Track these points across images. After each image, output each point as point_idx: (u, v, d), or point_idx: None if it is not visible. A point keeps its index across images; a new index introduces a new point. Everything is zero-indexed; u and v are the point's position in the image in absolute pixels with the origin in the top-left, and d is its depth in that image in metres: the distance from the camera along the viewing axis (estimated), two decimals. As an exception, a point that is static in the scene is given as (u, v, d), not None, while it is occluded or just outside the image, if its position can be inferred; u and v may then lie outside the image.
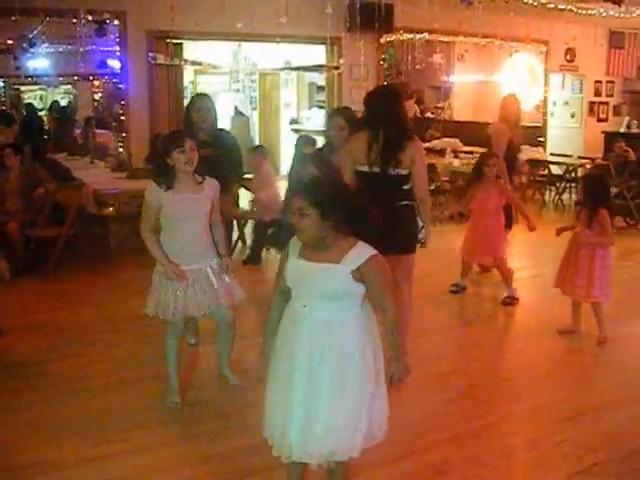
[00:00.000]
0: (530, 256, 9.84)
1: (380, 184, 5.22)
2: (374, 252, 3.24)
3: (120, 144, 12.14)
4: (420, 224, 5.42)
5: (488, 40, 14.35)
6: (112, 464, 4.23)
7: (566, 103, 17.59)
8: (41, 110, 17.79)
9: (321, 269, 3.24)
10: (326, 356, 3.24)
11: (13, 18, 10.09)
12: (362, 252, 3.23)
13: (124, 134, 11.84)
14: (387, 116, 5.29)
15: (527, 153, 13.43)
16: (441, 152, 13.41)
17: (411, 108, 15.72)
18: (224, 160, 5.83)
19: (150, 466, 4.22)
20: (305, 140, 7.75)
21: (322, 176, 4.36)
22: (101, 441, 4.50)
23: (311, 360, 3.24)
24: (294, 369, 3.27)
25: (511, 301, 7.56)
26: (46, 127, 16.14)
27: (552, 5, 12.72)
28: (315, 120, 15.70)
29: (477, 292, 8.18)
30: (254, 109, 17.55)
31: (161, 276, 4.83)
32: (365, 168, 5.27)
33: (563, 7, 12.92)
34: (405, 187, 5.26)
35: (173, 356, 5.10)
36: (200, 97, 6.22)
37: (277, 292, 3.49)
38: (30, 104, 17.31)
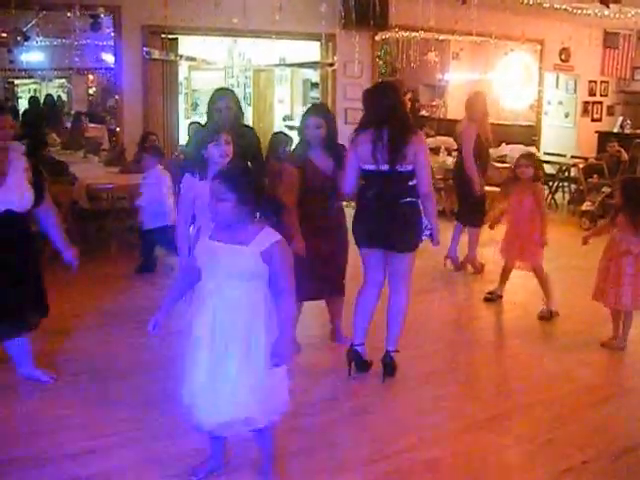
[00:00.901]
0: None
1: (388, 181, 5.18)
2: (279, 237, 3.51)
3: (114, 138, 12.12)
4: (425, 222, 5.33)
5: (483, 39, 14.35)
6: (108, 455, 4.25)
7: (560, 102, 17.64)
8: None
9: (232, 250, 3.49)
10: (233, 334, 3.51)
11: (9, 12, 10.06)
12: (269, 236, 3.49)
13: (117, 128, 11.83)
14: (391, 112, 5.20)
15: (520, 152, 13.45)
16: (435, 150, 13.41)
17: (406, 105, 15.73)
18: (247, 158, 5.59)
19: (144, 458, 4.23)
20: (279, 138, 7.49)
21: (239, 165, 4.53)
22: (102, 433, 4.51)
23: (215, 339, 3.52)
24: (200, 346, 3.56)
25: (549, 315, 7.03)
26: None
27: (547, 5, 12.73)
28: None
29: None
30: (248, 105, 17.55)
31: None
32: (372, 167, 5.20)
33: (558, 7, 12.93)
34: (411, 183, 5.20)
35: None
36: (219, 94, 5.80)
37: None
38: (34, 97, 17.25)
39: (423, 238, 5.31)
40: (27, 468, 4.12)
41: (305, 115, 5.87)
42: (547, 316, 7.01)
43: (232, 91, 6.07)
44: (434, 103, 18.65)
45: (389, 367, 5.39)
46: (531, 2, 12.48)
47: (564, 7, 13.01)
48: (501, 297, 7.58)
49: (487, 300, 7.56)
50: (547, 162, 13.84)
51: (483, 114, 8.51)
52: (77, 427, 4.61)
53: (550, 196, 13.48)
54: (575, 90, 17.28)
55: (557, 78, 17.26)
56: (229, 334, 3.51)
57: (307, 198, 5.54)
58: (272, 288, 3.57)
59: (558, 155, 14.43)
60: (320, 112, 5.84)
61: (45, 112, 16.05)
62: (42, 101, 17.34)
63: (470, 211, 8.66)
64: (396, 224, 5.16)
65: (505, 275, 7.51)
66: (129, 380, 5.37)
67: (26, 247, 4.98)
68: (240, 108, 5.88)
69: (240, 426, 3.66)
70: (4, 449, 4.31)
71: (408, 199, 5.20)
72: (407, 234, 5.26)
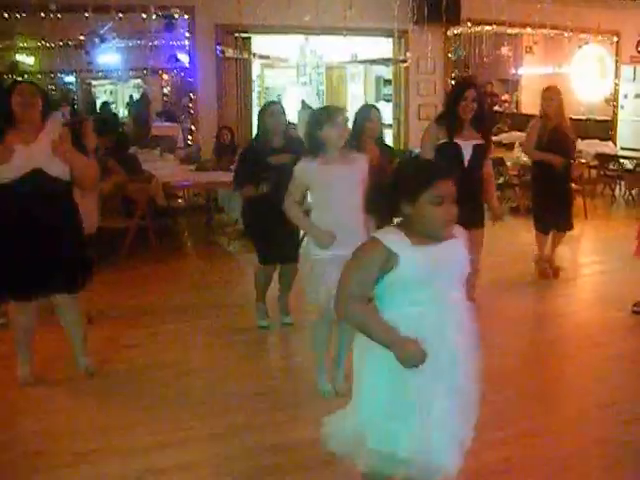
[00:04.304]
0: (598, 252, 9.66)
1: None
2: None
3: (189, 137, 12.29)
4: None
5: (557, 32, 14.13)
6: (183, 450, 4.32)
7: (637, 96, 17.21)
8: (113, 104, 18.12)
9: (453, 249, 2.99)
10: (463, 345, 2.99)
11: (86, 15, 10.30)
12: (459, 229, 3.07)
13: (193, 127, 11.99)
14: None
15: (596, 147, 13.23)
16: (509, 146, 13.27)
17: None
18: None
19: (216, 454, 4.31)
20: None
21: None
22: (170, 429, 4.59)
23: (457, 358, 2.96)
24: (439, 371, 2.91)
25: None
26: (124, 121, 16.38)
27: (624, -5, 12.50)
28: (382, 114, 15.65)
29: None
30: (321, 102, 17.58)
31: (313, 263, 4.76)
32: None
33: (635, -3, 12.68)
34: None
35: (324, 342, 5.01)
36: (272, 102, 6.48)
37: (357, 300, 2.94)
38: (105, 102, 17.62)
39: None
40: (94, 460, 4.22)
41: (369, 109, 6.32)
42: None
43: (280, 102, 6.68)
44: (507, 98, 18.44)
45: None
46: (606, -7, 12.28)
47: (641, -3, 12.75)
48: None
49: (636, 313, 6.81)
50: (624, 157, 13.58)
51: (557, 109, 8.19)
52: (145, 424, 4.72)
53: (628, 192, 13.22)
54: (653, 83, 16.90)
55: (634, 70, 16.87)
56: (459, 346, 2.98)
57: None
58: None
59: (636, 150, 14.12)
60: (377, 109, 6.32)
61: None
62: (127, 102, 17.71)
63: (557, 212, 8.05)
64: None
65: None
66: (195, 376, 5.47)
67: (65, 212, 4.98)
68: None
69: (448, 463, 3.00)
70: (74, 443, 4.43)
71: None
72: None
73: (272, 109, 6.10)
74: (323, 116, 4.81)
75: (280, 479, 4.03)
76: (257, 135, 6.31)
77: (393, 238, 2.88)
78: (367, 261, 2.92)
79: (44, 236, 4.80)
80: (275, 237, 5.92)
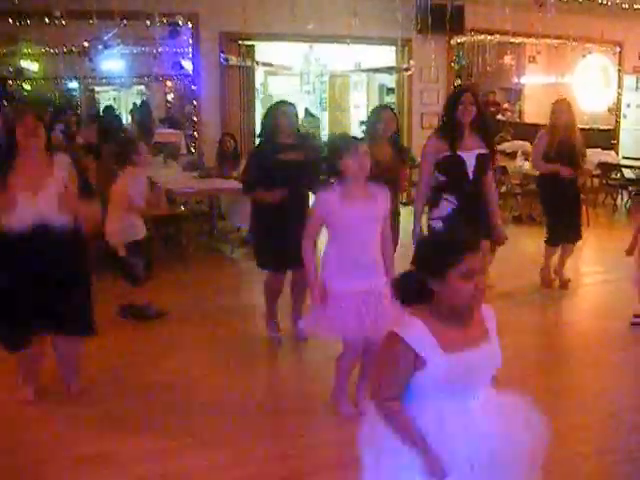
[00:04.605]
0: (601, 261, 9.66)
1: None
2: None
3: (192, 144, 12.31)
4: None
5: (560, 41, 14.17)
6: (186, 456, 4.32)
7: (640, 106, 17.27)
8: (116, 110, 18.14)
9: (486, 354, 2.77)
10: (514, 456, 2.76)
11: (90, 22, 10.33)
12: (488, 311, 2.86)
13: (196, 134, 12.01)
14: None
15: (598, 156, 13.23)
16: (512, 155, 13.28)
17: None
18: (310, 165, 5.84)
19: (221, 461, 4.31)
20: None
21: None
22: (173, 435, 4.59)
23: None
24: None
25: None
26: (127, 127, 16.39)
27: (627, 5, 12.51)
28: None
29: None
30: (324, 110, 17.62)
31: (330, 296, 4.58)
32: None
33: (638, 7, 12.68)
34: None
35: (348, 371, 4.84)
36: (283, 102, 6.22)
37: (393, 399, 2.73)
38: (109, 106, 17.62)
39: None
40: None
41: (380, 110, 6.53)
42: None
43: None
44: (509, 107, 18.45)
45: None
46: (610, 3, 12.28)
47: (645, 8, 12.77)
48: None
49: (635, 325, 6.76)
50: (626, 167, 13.59)
51: (567, 122, 7.87)
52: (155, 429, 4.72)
53: (630, 201, 13.22)
54: (656, 93, 16.90)
55: (637, 80, 16.88)
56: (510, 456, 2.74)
57: None
58: None
59: (638, 159, 14.13)
60: (392, 111, 6.54)
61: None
62: (130, 109, 17.72)
63: (567, 224, 8.02)
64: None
65: None
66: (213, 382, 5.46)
67: (71, 261, 4.76)
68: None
69: None
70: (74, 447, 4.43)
71: None
72: None
73: (286, 108, 5.98)
74: (343, 146, 4.58)
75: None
76: (263, 134, 6.13)
77: (416, 335, 2.64)
78: (391, 362, 2.70)
79: (48, 287, 4.62)
80: (286, 241, 5.61)
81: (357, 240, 4.49)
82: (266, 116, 6.07)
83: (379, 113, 6.35)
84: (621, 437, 4.69)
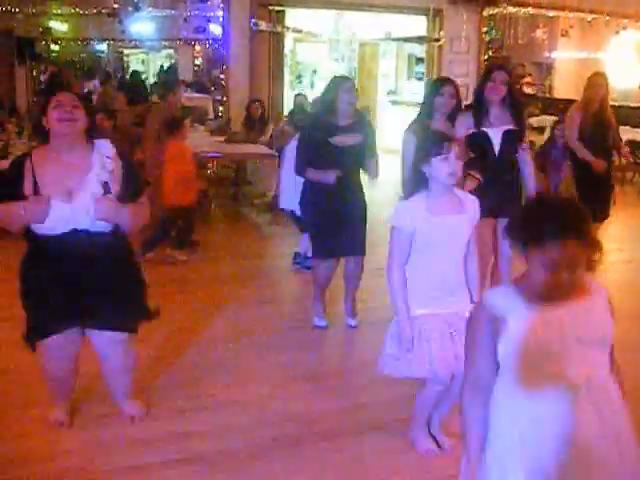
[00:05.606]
0: (625, 239, 9.57)
1: None
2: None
3: (220, 109, 12.31)
4: None
5: (594, 16, 13.98)
6: (204, 416, 4.38)
7: (673, 83, 17.06)
8: (144, 74, 18.17)
9: (588, 310, 2.40)
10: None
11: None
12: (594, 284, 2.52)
13: (224, 98, 12.00)
14: None
15: (628, 134, 13.10)
16: (540, 130, 13.17)
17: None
18: (365, 147, 5.62)
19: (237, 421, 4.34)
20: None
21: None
22: (192, 395, 4.64)
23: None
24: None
25: None
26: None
27: (665, -20, 12.34)
28: (413, 92, 15.61)
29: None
30: (354, 79, 17.51)
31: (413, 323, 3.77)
32: None
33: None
34: None
35: (426, 413, 4.07)
36: (346, 78, 5.92)
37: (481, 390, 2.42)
38: (136, 71, 17.66)
39: None
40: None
41: (442, 83, 5.94)
42: None
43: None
44: (540, 82, 18.30)
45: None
46: (647, -22, 12.13)
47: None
48: None
49: None
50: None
51: (601, 97, 7.64)
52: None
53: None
54: (690, 70, 16.69)
55: (671, 58, 16.71)
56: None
57: None
58: None
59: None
60: (455, 84, 5.89)
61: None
62: (157, 72, 17.73)
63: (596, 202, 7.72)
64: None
65: None
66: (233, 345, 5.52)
67: (115, 266, 3.97)
68: None
69: None
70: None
71: None
72: None
73: (348, 85, 5.54)
74: (431, 145, 3.72)
75: (301, 449, 4.05)
76: (320, 110, 5.77)
77: (499, 296, 2.38)
78: (474, 335, 2.40)
79: (82, 288, 3.87)
80: (339, 226, 5.43)
81: (444, 257, 3.76)
82: (327, 91, 5.64)
83: (439, 87, 5.82)
84: None
